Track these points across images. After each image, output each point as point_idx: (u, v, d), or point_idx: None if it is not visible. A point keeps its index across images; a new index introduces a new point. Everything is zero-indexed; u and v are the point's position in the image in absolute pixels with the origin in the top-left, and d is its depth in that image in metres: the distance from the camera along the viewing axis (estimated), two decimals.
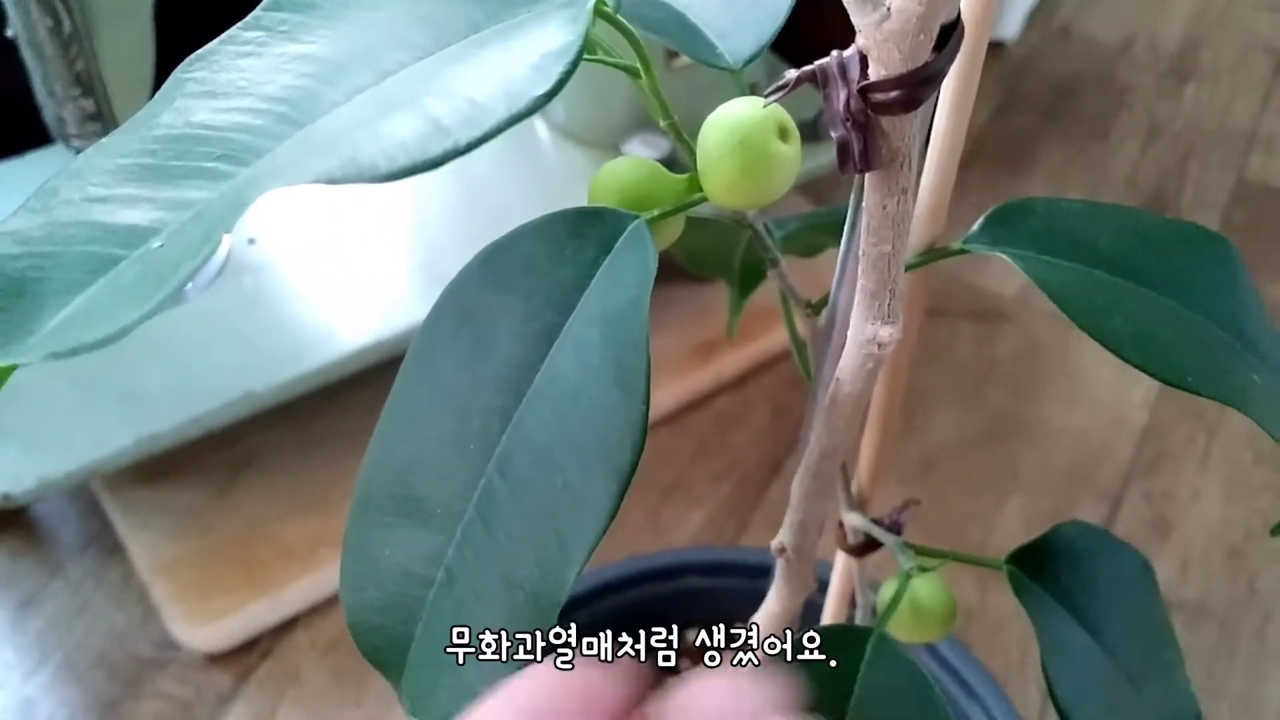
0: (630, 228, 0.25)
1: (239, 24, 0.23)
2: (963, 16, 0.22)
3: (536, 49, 0.20)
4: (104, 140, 0.21)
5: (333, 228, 0.76)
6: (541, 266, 0.25)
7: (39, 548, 0.72)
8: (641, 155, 0.71)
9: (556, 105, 0.80)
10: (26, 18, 0.60)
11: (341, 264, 0.74)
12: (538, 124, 0.83)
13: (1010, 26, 1.17)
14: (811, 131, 0.73)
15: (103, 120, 0.65)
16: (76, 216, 0.19)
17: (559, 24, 0.20)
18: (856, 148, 0.22)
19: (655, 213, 0.27)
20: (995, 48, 1.16)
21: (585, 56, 0.26)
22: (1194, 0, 1.26)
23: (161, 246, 0.18)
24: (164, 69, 0.22)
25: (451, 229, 0.77)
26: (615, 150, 0.77)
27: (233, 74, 0.21)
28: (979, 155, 1.03)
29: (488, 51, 0.20)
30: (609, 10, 0.23)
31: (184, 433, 0.65)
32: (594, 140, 0.80)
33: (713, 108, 0.27)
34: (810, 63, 0.23)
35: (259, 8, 0.23)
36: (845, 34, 0.22)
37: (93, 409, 0.65)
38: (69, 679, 0.64)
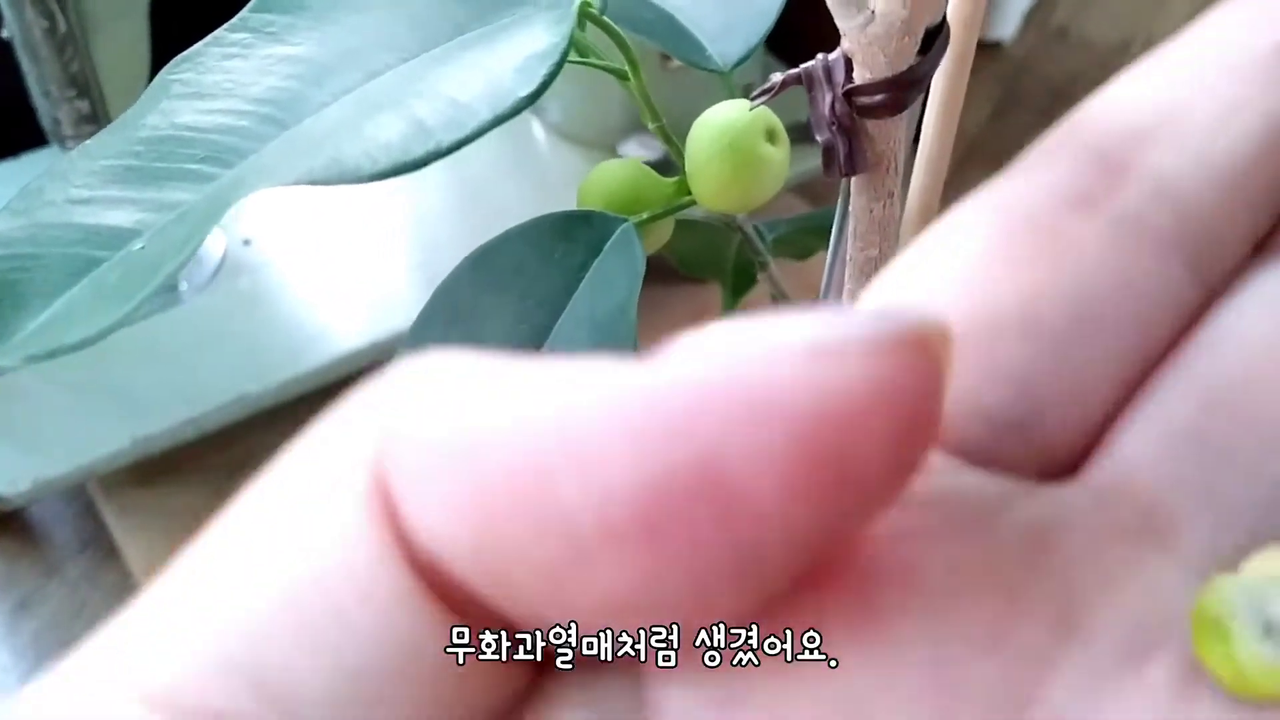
0: (618, 231, 0.25)
1: (226, 25, 0.23)
2: (949, 19, 0.22)
3: (521, 51, 0.20)
4: (89, 142, 0.21)
5: (328, 229, 0.76)
6: (531, 269, 0.25)
7: (35, 549, 0.72)
8: (638, 156, 0.71)
9: (552, 105, 0.80)
10: (21, 19, 0.60)
11: (337, 265, 0.74)
12: (533, 124, 0.83)
13: (1007, 27, 1.17)
14: (804, 133, 0.72)
15: (98, 121, 0.65)
16: (59, 218, 0.19)
17: (544, 26, 0.20)
18: (842, 151, 0.22)
19: (644, 216, 0.27)
20: (992, 49, 1.16)
21: (576, 60, 0.26)
22: (1191, 2, 1.27)
23: (143, 248, 0.18)
24: (159, 70, 0.22)
25: (447, 229, 0.77)
26: (611, 150, 0.77)
27: (218, 75, 0.21)
28: (976, 157, 1.03)
29: (473, 53, 0.20)
30: (595, 12, 0.23)
31: (180, 434, 0.65)
32: (590, 140, 0.80)
33: (708, 108, 0.27)
34: (808, 62, 0.23)
35: (246, 9, 0.22)
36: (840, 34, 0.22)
37: (88, 410, 0.65)
38: None
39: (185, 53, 0.22)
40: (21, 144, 0.75)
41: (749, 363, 0.10)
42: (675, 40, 0.29)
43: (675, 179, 0.28)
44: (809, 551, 0.11)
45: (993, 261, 0.14)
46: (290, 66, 0.21)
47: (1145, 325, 0.14)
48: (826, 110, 0.21)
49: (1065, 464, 0.13)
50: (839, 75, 0.21)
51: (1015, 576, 0.12)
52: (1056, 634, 0.12)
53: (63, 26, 0.61)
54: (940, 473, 0.13)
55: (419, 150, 0.18)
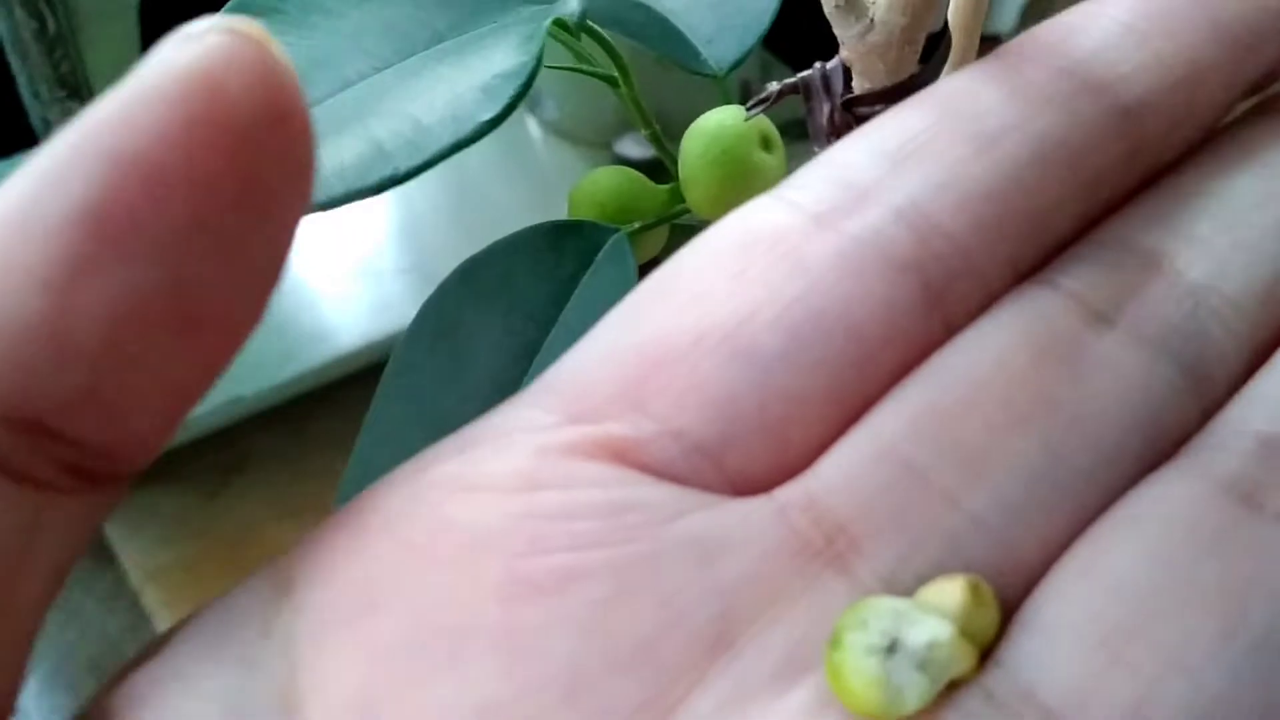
0: (610, 241, 0.25)
1: None
2: (950, 24, 0.22)
3: (489, 68, 0.19)
4: None
5: (322, 228, 0.76)
6: (519, 282, 0.25)
7: None
8: (634, 154, 0.70)
9: (548, 103, 0.79)
10: (10, 19, 0.59)
11: (331, 265, 0.73)
12: (529, 122, 0.82)
13: (1005, 19, 1.16)
14: (802, 130, 0.72)
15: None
16: None
17: (515, 41, 0.19)
18: None
19: (636, 225, 0.26)
20: (990, 41, 1.15)
21: (567, 66, 0.25)
22: None
23: None
24: None
25: (443, 229, 0.76)
26: (607, 149, 0.76)
27: None
28: None
29: (444, 67, 0.20)
30: (572, 24, 0.22)
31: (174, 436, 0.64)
32: (586, 138, 0.79)
33: (708, 107, 0.26)
34: (806, 59, 0.22)
35: (222, 11, 0.22)
36: None
37: None
38: (59, 686, 0.64)
39: None
40: (12, 145, 0.75)
41: (139, 73, 0.11)
42: (669, 44, 0.29)
43: (668, 186, 0.28)
44: (253, 219, 0.11)
45: (720, 280, 0.13)
46: None
47: (867, 349, 0.13)
48: (825, 120, 0.21)
49: (762, 485, 0.13)
50: (837, 85, 0.20)
51: (676, 588, 0.12)
52: (709, 650, 0.11)
53: (53, 27, 0.60)
54: (616, 484, 0.12)
55: (374, 176, 0.18)
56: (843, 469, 0.13)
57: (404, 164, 0.18)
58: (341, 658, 0.11)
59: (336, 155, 0.18)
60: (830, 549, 0.12)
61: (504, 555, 0.12)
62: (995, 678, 0.11)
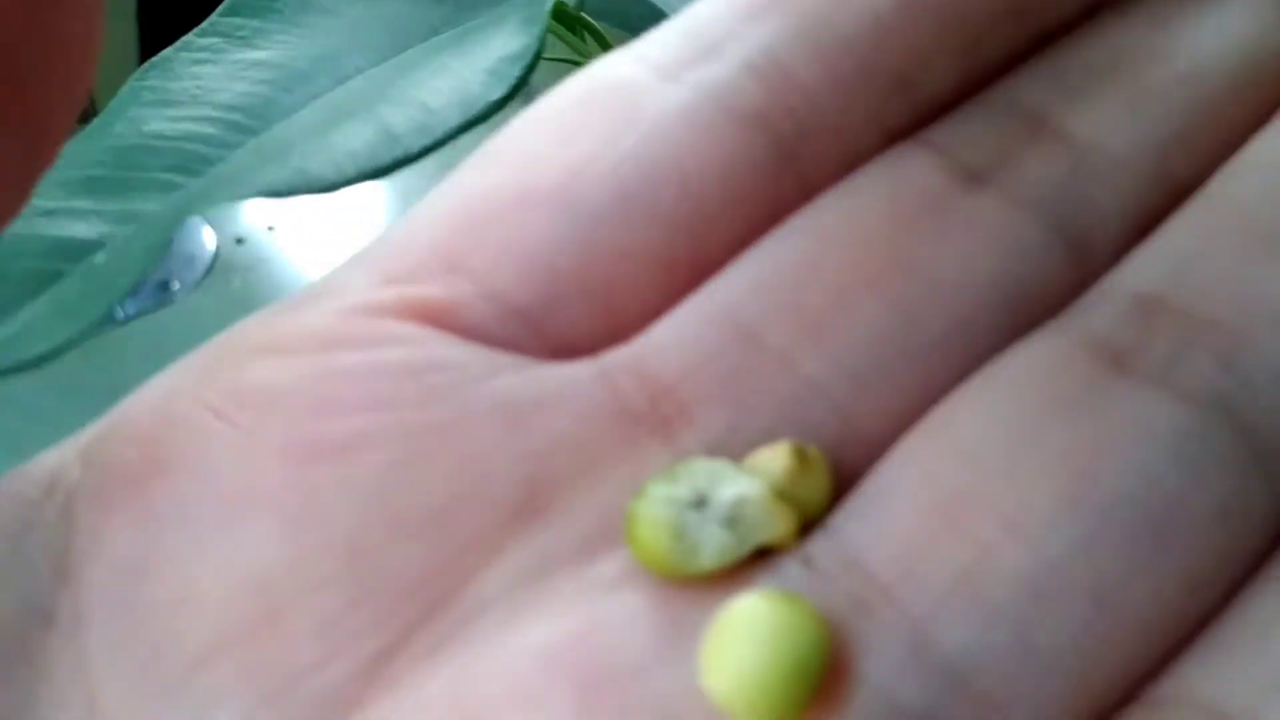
0: None
1: (196, 30, 0.22)
2: None
3: (492, 53, 0.19)
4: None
5: (322, 228, 0.76)
6: None
7: None
8: None
9: None
10: None
11: (331, 264, 0.73)
12: None
13: None
14: None
15: (87, 121, 0.64)
16: (24, 230, 0.19)
17: (515, 27, 0.20)
18: None
19: None
20: None
21: (559, 57, 0.25)
22: None
23: (104, 261, 0.18)
24: None
25: None
26: None
27: (187, 81, 0.21)
28: None
29: (444, 56, 0.20)
30: (571, 10, 0.22)
31: None
32: None
33: None
34: None
35: (216, 12, 0.22)
36: None
37: (79, 412, 0.64)
38: None
39: (155, 58, 0.22)
40: None
41: None
42: None
43: None
44: None
45: (551, 136, 0.12)
46: (260, 72, 0.20)
47: (705, 206, 0.12)
48: None
49: (587, 351, 0.12)
50: None
51: (478, 452, 0.11)
52: (512, 517, 0.11)
53: None
54: (422, 344, 0.11)
55: (386, 157, 0.18)
56: (674, 332, 0.12)
57: (415, 144, 0.18)
58: (119, 520, 0.11)
59: (346, 141, 0.18)
60: (655, 413, 0.11)
61: (292, 417, 0.11)
62: (819, 545, 0.11)
